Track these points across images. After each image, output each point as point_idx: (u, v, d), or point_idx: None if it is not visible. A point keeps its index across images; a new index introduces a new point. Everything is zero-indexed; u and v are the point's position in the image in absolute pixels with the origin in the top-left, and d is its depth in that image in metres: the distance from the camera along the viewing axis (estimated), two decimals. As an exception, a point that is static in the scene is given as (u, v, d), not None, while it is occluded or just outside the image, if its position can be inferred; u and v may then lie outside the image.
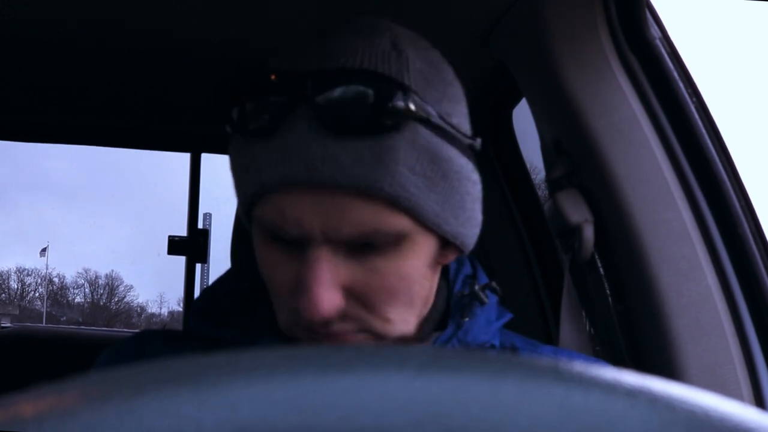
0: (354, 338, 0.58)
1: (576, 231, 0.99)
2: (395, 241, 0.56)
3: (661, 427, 0.21)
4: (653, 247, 0.91)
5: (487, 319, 0.67)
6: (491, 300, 0.68)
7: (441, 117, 0.56)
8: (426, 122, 0.55)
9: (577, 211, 0.99)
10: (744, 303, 0.91)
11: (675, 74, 0.95)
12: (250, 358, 0.23)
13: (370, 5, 1.01)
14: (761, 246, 0.92)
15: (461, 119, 0.61)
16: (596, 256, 1.02)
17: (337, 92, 0.53)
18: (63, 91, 1.34)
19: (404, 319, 0.59)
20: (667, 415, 0.22)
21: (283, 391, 0.22)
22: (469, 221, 0.61)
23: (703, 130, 0.94)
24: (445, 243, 0.61)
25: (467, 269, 0.69)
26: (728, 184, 0.93)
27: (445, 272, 0.68)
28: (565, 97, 0.95)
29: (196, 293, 2.03)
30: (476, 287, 0.67)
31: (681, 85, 0.95)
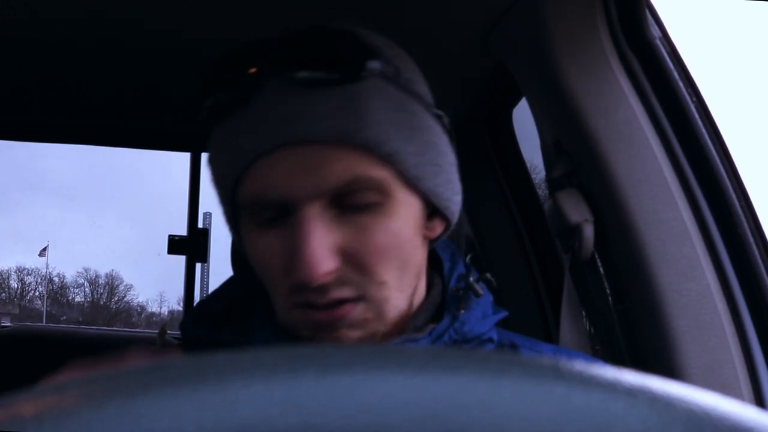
0: (355, 308, 0.58)
1: (576, 231, 0.99)
2: (379, 198, 0.57)
3: (661, 426, 0.21)
4: (653, 247, 0.91)
5: (483, 312, 0.67)
6: (486, 295, 0.68)
7: (405, 79, 0.60)
8: (390, 79, 0.59)
9: (577, 211, 0.99)
10: (744, 303, 0.91)
11: (675, 74, 0.95)
12: (250, 358, 0.23)
13: (371, 5, 1.01)
14: (761, 246, 0.92)
15: (426, 90, 0.65)
16: (596, 256, 1.02)
17: (305, 49, 0.57)
18: (63, 91, 1.34)
19: (398, 285, 0.60)
20: (667, 414, 0.22)
21: (284, 390, 0.22)
22: (449, 184, 0.63)
23: (703, 130, 0.94)
24: (430, 213, 0.63)
25: (461, 269, 0.70)
26: (728, 184, 0.93)
27: (439, 269, 0.69)
28: (565, 97, 0.95)
29: (196, 292, 2.04)
30: (471, 279, 0.67)
31: (681, 85, 0.95)
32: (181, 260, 1.98)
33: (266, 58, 0.57)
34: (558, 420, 0.22)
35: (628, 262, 0.94)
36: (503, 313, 0.69)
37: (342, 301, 0.57)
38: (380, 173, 0.57)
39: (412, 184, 0.59)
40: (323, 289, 0.56)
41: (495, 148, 1.46)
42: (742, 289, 0.91)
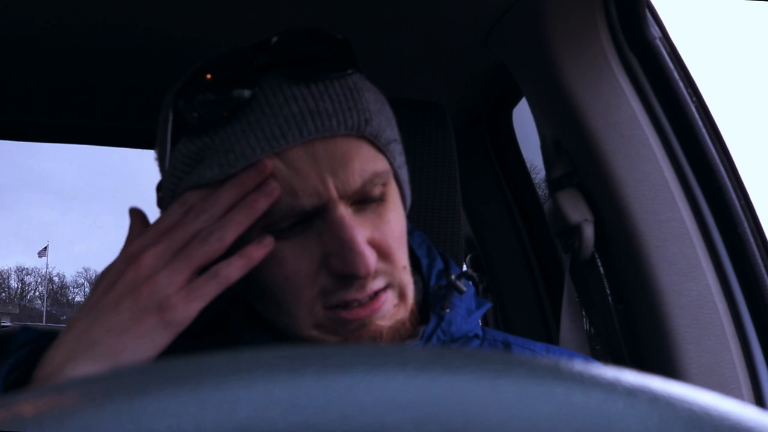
0: (387, 298, 0.59)
1: (576, 231, 0.99)
2: (383, 188, 0.59)
3: (661, 426, 0.21)
4: (653, 247, 0.91)
5: (468, 308, 0.67)
6: (469, 290, 0.68)
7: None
8: (361, 70, 0.61)
9: (577, 211, 0.99)
10: (744, 303, 0.91)
11: (675, 74, 0.95)
12: (250, 358, 0.23)
13: (371, 6, 1.01)
14: (761, 246, 0.92)
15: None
16: (596, 256, 1.02)
17: (301, 44, 0.58)
18: (63, 91, 1.34)
19: (408, 264, 0.62)
20: (668, 413, 0.22)
21: (284, 390, 0.22)
22: (407, 177, 0.66)
23: (703, 130, 0.94)
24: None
25: (439, 264, 0.70)
26: (728, 184, 0.93)
27: (417, 267, 0.69)
28: (565, 97, 0.95)
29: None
30: (452, 277, 0.67)
31: (681, 85, 0.95)
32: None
33: (260, 59, 0.57)
34: (558, 420, 0.22)
35: (628, 262, 0.94)
36: (487, 305, 0.70)
37: (377, 293, 0.59)
38: (384, 164, 0.59)
39: (395, 171, 0.62)
40: (364, 283, 0.57)
41: (495, 148, 1.46)
42: (742, 289, 0.91)
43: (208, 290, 0.54)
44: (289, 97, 0.56)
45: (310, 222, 0.57)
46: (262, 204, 0.55)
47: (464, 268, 1.63)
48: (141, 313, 0.53)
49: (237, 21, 1.05)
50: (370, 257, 0.56)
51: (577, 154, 0.99)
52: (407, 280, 0.61)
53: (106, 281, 0.55)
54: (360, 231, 0.56)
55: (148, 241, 0.55)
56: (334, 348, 0.24)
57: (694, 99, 0.95)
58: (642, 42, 0.95)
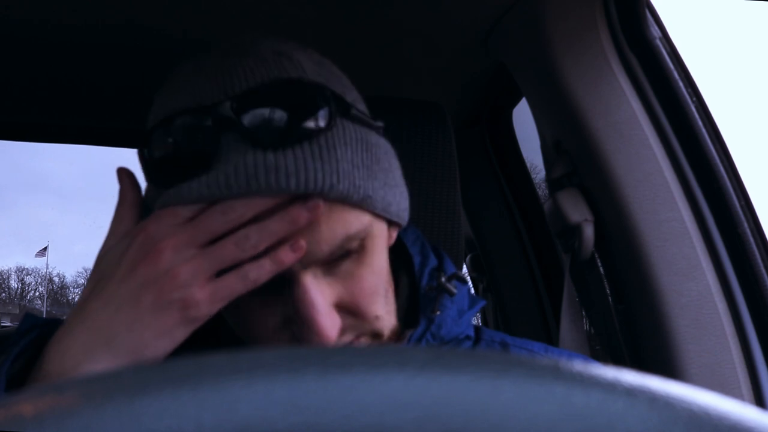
0: (357, 344, 0.58)
1: (576, 231, 0.99)
2: (359, 242, 0.56)
3: (661, 426, 0.21)
4: (653, 247, 0.91)
5: (459, 310, 0.66)
6: (461, 289, 0.67)
7: (353, 107, 0.57)
8: (347, 115, 0.56)
9: (577, 211, 0.99)
10: (744, 303, 0.91)
11: (675, 74, 0.95)
12: (250, 358, 0.23)
13: (371, 6, 1.01)
14: (761, 246, 0.92)
15: (362, 105, 0.62)
16: (596, 256, 1.02)
17: (260, 109, 0.53)
18: (63, 91, 1.34)
19: (388, 311, 0.60)
20: (667, 413, 0.22)
21: (284, 390, 0.22)
22: (401, 195, 0.62)
23: (703, 130, 0.94)
24: (389, 224, 0.62)
25: (433, 262, 0.69)
26: (728, 184, 0.93)
27: (408, 267, 0.68)
28: (565, 97, 0.95)
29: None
30: (443, 279, 0.66)
31: (681, 85, 0.95)
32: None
33: (226, 112, 0.53)
34: (558, 420, 0.22)
35: (628, 262, 0.94)
36: (480, 304, 0.69)
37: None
38: (360, 220, 0.56)
39: (381, 215, 0.58)
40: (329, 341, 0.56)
41: (495, 148, 1.46)
42: (742, 289, 0.91)
43: (235, 290, 0.52)
44: (248, 153, 0.52)
45: (280, 281, 0.55)
46: (303, 219, 0.52)
47: (464, 268, 1.63)
48: (164, 309, 0.51)
49: (237, 21, 1.05)
50: (331, 331, 0.54)
51: (577, 154, 0.99)
52: (382, 326, 0.59)
53: (124, 267, 0.53)
54: (323, 300, 0.54)
55: (166, 229, 0.53)
56: (334, 348, 0.24)
57: (694, 99, 0.95)
58: (642, 42, 0.95)
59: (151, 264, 0.52)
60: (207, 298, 0.52)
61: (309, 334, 0.54)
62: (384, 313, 0.59)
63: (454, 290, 0.66)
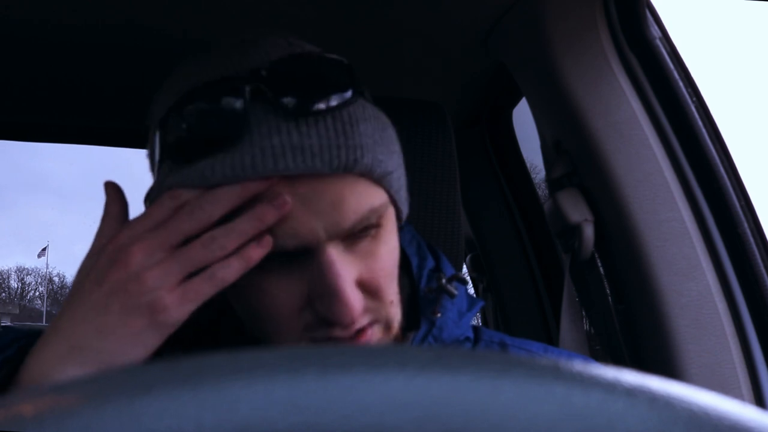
0: (373, 332, 0.57)
1: (576, 231, 0.99)
2: (378, 220, 0.56)
3: (661, 426, 0.21)
4: (653, 247, 0.91)
5: (459, 311, 0.66)
6: (460, 290, 0.67)
7: (365, 89, 0.58)
8: (362, 95, 0.57)
9: (577, 211, 0.99)
10: (744, 303, 0.91)
11: (675, 74, 0.95)
12: (250, 358, 0.23)
13: (371, 6, 1.01)
14: (761, 246, 0.92)
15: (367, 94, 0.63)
16: (596, 256, 1.02)
17: (291, 78, 0.54)
18: (63, 91, 1.34)
19: (397, 298, 0.60)
20: (667, 414, 0.22)
21: (284, 390, 0.22)
22: (405, 186, 0.62)
23: (703, 130, 0.94)
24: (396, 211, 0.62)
25: (430, 263, 0.69)
26: (728, 184, 0.93)
27: (406, 268, 0.68)
28: (565, 97, 0.95)
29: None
30: (443, 281, 0.66)
31: (681, 85, 0.95)
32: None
33: (250, 88, 0.53)
34: (558, 420, 0.22)
35: (628, 262, 0.94)
36: (479, 305, 0.68)
37: (362, 329, 0.57)
38: (380, 198, 0.56)
39: (394, 198, 0.58)
40: (351, 323, 0.55)
41: (495, 148, 1.46)
42: (742, 289, 0.91)
43: (203, 292, 0.52)
44: (273, 130, 0.52)
45: (297, 257, 0.54)
46: (270, 217, 0.52)
47: (464, 268, 1.63)
48: (131, 314, 0.51)
49: (237, 21, 1.05)
50: (356, 305, 0.53)
51: (577, 154, 0.99)
52: (394, 313, 0.59)
53: (94, 276, 0.53)
54: (348, 274, 0.54)
55: (137, 234, 0.53)
56: (334, 348, 0.24)
57: (694, 99, 0.95)
58: (642, 42, 0.95)
59: (120, 269, 0.52)
60: (176, 302, 0.51)
61: (332, 312, 0.53)
62: (395, 299, 0.59)
63: (455, 292, 0.66)
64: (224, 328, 0.66)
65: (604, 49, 0.94)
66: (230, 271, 0.52)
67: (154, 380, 0.22)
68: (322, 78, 0.54)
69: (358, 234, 0.55)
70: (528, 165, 1.48)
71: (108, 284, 0.52)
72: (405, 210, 0.63)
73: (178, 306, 0.51)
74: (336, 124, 0.53)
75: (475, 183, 1.47)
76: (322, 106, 0.53)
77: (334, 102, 0.53)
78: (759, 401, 0.89)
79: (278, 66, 0.54)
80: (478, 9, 1.04)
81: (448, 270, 0.68)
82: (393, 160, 0.58)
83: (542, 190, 1.43)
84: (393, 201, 0.59)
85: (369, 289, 0.56)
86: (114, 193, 0.58)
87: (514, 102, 1.40)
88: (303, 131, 0.52)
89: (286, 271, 0.55)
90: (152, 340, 0.51)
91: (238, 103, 0.53)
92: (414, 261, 0.68)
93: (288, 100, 0.52)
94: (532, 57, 1.00)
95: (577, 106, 0.94)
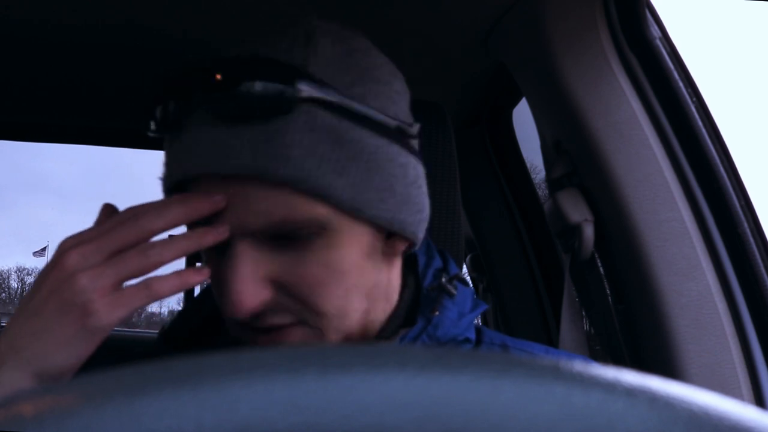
0: (295, 332, 0.57)
1: (576, 231, 0.99)
2: (318, 231, 0.55)
3: (661, 426, 0.21)
4: (653, 247, 0.91)
5: (460, 312, 0.66)
6: (464, 291, 0.67)
7: (352, 99, 0.56)
8: (326, 105, 0.55)
9: (577, 211, 0.99)
10: (744, 303, 0.91)
11: (675, 74, 0.95)
12: (250, 358, 0.23)
13: (371, 6, 1.01)
14: (761, 246, 0.92)
15: (386, 102, 0.60)
16: (596, 256, 1.02)
17: (228, 82, 0.54)
18: (63, 92, 1.34)
19: (342, 314, 0.58)
20: (667, 414, 0.22)
21: (284, 390, 0.22)
22: (405, 206, 0.59)
23: (703, 130, 0.94)
24: (389, 233, 0.60)
25: (437, 263, 0.68)
26: (728, 184, 0.93)
27: (414, 267, 0.68)
28: (565, 97, 0.95)
29: (196, 291, 2.03)
30: (443, 279, 0.66)
31: (681, 85, 0.95)
32: (180, 260, 1.97)
33: (194, 88, 0.55)
34: (558, 420, 0.22)
35: (628, 262, 0.94)
36: (482, 307, 0.68)
37: (282, 326, 0.57)
38: (312, 210, 0.55)
39: (354, 216, 0.56)
40: (258, 315, 0.56)
41: (495, 148, 1.46)
42: (742, 289, 0.91)
43: (135, 301, 0.53)
44: (205, 131, 0.54)
45: (223, 250, 0.57)
46: (209, 240, 0.55)
47: (464, 268, 1.63)
48: (63, 316, 0.51)
49: (237, 21, 1.05)
50: (247, 299, 0.54)
51: (577, 154, 0.99)
52: (325, 324, 0.58)
53: (38, 280, 0.54)
54: (249, 269, 0.55)
55: (80, 240, 0.54)
56: (334, 348, 0.24)
57: (694, 99, 0.95)
58: (642, 42, 0.95)
59: (57, 270, 0.53)
60: (106, 307, 0.51)
61: (225, 298, 0.55)
62: (334, 313, 0.57)
63: (454, 291, 0.65)
64: (225, 327, 0.66)
65: (604, 49, 0.94)
66: (165, 287, 0.54)
67: (154, 380, 0.22)
68: (260, 84, 0.54)
69: (283, 237, 0.55)
70: (528, 165, 1.48)
71: (45, 286, 0.53)
72: (408, 232, 0.60)
73: (108, 311, 0.52)
74: (267, 128, 0.53)
75: (475, 183, 1.47)
76: (252, 112, 0.53)
77: (267, 109, 0.54)
78: (759, 401, 0.89)
79: (222, 64, 0.56)
80: (478, 9, 1.04)
81: (454, 271, 0.68)
82: (346, 179, 0.55)
83: (542, 190, 1.43)
84: (358, 218, 0.57)
85: (290, 292, 0.56)
86: (104, 215, 0.59)
87: (514, 102, 1.40)
88: (231, 133, 0.53)
89: (219, 258, 0.57)
90: (85, 346, 0.52)
91: (181, 102, 0.56)
92: (421, 260, 0.68)
93: (222, 104, 0.54)
94: (532, 57, 1.00)
95: (577, 106, 0.94)
